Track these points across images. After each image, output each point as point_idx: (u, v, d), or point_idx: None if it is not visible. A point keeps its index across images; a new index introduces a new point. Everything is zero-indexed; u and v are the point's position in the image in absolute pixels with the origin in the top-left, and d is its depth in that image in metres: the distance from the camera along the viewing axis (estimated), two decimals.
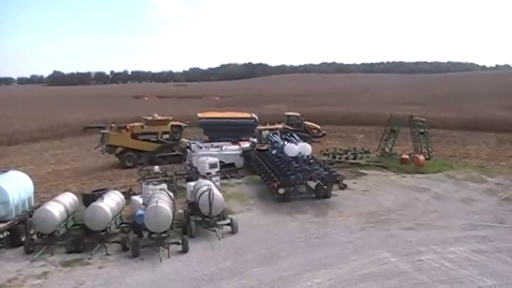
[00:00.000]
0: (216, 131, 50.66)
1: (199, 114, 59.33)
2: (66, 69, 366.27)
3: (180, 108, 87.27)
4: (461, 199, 32.23)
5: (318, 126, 63.54)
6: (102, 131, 49.58)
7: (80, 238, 24.19)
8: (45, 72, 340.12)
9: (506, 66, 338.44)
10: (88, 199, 27.91)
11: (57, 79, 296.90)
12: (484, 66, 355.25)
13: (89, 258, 22.66)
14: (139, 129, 50.04)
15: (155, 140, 49.52)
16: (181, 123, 52.11)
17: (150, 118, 51.92)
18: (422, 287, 18.95)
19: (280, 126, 45.06)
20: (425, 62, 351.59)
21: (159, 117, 52.24)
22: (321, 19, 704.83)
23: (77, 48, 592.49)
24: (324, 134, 63.16)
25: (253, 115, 57.55)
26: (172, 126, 50.98)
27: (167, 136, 50.11)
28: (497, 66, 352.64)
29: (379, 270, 20.59)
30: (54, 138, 71.38)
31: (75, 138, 70.52)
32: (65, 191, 30.23)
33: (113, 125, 50.72)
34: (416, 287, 19.00)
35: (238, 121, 52.99)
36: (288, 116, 63.85)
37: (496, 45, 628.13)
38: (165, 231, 23.52)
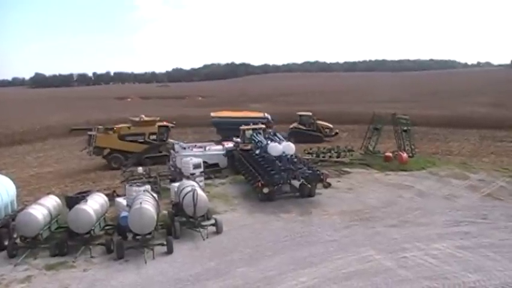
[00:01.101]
0: (228, 130, 51.05)
1: (212, 114, 59.68)
2: (48, 71, 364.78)
3: (163, 109, 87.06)
4: (445, 196, 32.47)
5: (331, 126, 63.40)
6: (89, 132, 49.26)
7: (63, 241, 23.87)
8: (27, 75, 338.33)
9: (487, 63, 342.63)
10: (71, 201, 27.57)
11: (39, 81, 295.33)
12: (466, 64, 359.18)
13: (73, 261, 22.46)
14: (126, 131, 49.87)
15: (142, 141, 49.30)
16: (168, 124, 51.92)
17: (136, 119, 51.77)
18: (407, 284, 19.01)
19: (263, 126, 44.88)
20: (408, 60, 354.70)
21: (146, 118, 52.10)
22: (304, 18, 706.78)
23: (59, 50, 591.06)
24: (337, 133, 63.18)
25: (266, 114, 57.70)
26: (159, 126, 50.77)
27: (154, 137, 49.91)
28: (478, 63, 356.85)
29: (364, 268, 20.66)
30: (37, 140, 70.90)
31: (58, 140, 70.18)
32: (48, 193, 30.08)
33: (100, 127, 50.40)
34: (401, 283, 19.06)
35: (251, 120, 53.22)
36: (301, 115, 63.89)
37: (477, 43, 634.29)
38: (150, 233, 23.38)
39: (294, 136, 53.60)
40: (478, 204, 30.47)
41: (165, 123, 51.83)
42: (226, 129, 52.79)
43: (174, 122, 54.01)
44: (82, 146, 50.14)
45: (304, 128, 62.32)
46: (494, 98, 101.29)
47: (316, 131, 61.90)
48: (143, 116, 52.95)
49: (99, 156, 49.45)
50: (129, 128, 50.35)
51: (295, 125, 62.90)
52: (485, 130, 67.45)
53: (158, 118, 53.37)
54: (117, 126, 50.69)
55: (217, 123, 58.89)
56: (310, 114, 64.48)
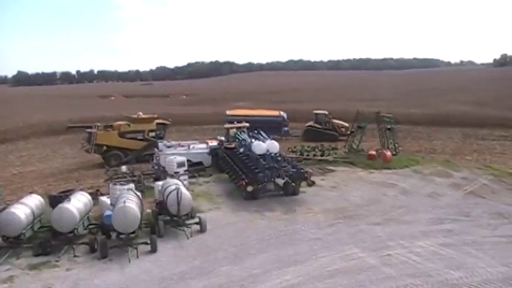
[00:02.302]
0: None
1: (227, 112, 59.66)
2: (31, 70, 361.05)
3: (147, 107, 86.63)
4: (428, 194, 32.61)
5: (346, 124, 62.00)
6: (89, 130, 49.05)
7: (47, 240, 23.68)
8: (9, 73, 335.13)
9: (470, 62, 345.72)
10: (55, 200, 27.38)
11: (22, 79, 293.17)
12: (449, 63, 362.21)
13: (57, 261, 22.27)
14: (127, 128, 49.92)
15: (142, 138, 49.44)
16: (165, 121, 52.37)
17: (135, 116, 51.84)
18: (391, 281, 19.07)
19: (247, 124, 44.84)
20: (392, 59, 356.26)
21: (144, 116, 52.25)
22: (288, 17, 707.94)
23: (42, 48, 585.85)
24: (352, 132, 62.21)
25: (282, 113, 57.59)
26: (157, 124, 51.17)
27: (153, 134, 50.08)
28: (461, 62, 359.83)
29: (348, 266, 20.69)
30: (19, 139, 70.29)
31: (41, 139, 69.80)
32: (31, 192, 29.76)
33: (99, 124, 50.30)
34: (385, 281, 19.12)
35: (266, 119, 52.92)
36: (316, 114, 63.52)
37: (460, 42, 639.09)
38: (134, 232, 23.26)
39: (309, 135, 53.43)
40: (461, 202, 30.63)
41: (162, 120, 52.38)
42: None
43: (170, 119, 54.10)
44: (82, 144, 50.11)
45: (320, 126, 62.03)
46: (477, 96, 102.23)
47: (332, 129, 61.64)
48: (140, 113, 53.04)
49: (94, 154, 49.23)
50: (129, 125, 50.37)
51: (311, 123, 62.61)
52: (468, 128, 68.08)
53: (156, 115, 53.65)
54: (116, 123, 50.70)
55: (232, 121, 59.01)
56: (326, 112, 63.98)
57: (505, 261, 20.69)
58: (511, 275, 19.36)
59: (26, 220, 23.76)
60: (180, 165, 34.31)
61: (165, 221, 25.70)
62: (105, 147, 48.49)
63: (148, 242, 23.31)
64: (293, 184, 32.16)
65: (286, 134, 60.78)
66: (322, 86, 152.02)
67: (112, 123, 50.92)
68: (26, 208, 24.37)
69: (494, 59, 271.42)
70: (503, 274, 19.48)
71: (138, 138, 49.23)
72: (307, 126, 62.42)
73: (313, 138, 51.65)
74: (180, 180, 29.29)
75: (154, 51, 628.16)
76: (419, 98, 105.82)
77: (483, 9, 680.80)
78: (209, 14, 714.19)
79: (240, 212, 29.39)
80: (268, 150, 33.34)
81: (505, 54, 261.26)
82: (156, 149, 41.68)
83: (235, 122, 45.17)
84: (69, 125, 57.11)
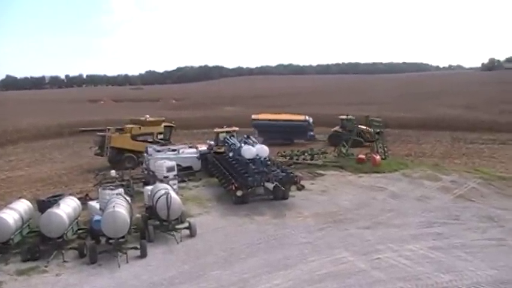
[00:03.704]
0: (269, 133, 52.49)
1: (253, 116, 59.61)
2: (20, 74, 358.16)
3: (136, 112, 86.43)
4: (417, 197, 32.72)
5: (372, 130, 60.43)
6: (101, 133, 49.63)
7: (35, 246, 23.50)
8: None
9: (459, 66, 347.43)
10: (43, 205, 27.23)
11: (10, 84, 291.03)
12: (438, 67, 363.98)
13: (46, 266, 22.11)
14: (138, 131, 50.33)
15: (151, 140, 49.64)
16: (171, 124, 52.91)
17: (142, 119, 52.43)
18: (381, 285, 19.09)
19: (236, 128, 44.81)
20: (381, 63, 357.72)
21: (152, 118, 52.97)
22: (277, 21, 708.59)
23: (31, 52, 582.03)
24: (378, 139, 60.59)
25: (307, 117, 57.30)
26: (165, 126, 51.77)
27: (161, 136, 50.64)
28: (450, 66, 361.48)
29: (337, 270, 20.70)
30: (8, 144, 69.73)
31: (29, 143, 69.30)
32: (20, 197, 29.49)
33: (110, 128, 50.80)
34: (375, 285, 19.13)
35: (292, 123, 52.62)
36: (342, 119, 61.53)
37: (449, 46, 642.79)
38: (123, 237, 23.13)
39: (334, 140, 52.77)
40: (450, 205, 30.77)
41: (168, 123, 52.90)
42: (267, 132, 53.59)
43: (173, 122, 54.33)
44: (92, 147, 50.64)
45: (344, 132, 60.20)
46: (465, 100, 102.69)
47: (357, 135, 59.89)
48: (148, 116, 53.62)
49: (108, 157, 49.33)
50: (139, 128, 50.69)
51: (336, 128, 61.34)
52: (457, 132, 68.43)
53: (163, 118, 54.53)
54: (127, 126, 51.17)
55: (257, 125, 58.99)
56: (352, 118, 60.99)
57: (494, 265, 20.78)
58: (500, 278, 19.44)
59: (14, 225, 23.63)
60: (170, 169, 34.26)
61: (154, 226, 25.61)
62: (111, 150, 48.97)
63: (138, 247, 23.20)
64: (283, 188, 32.14)
65: (311, 139, 60.26)
66: (311, 90, 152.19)
67: (122, 126, 51.53)
68: (14, 213, 24.23)
69: (482, 63, 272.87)
70: (492, 277, 19.55)
71: (148, 140, 49.42)
72: (333, 131, 61.05)
73: (338, 143, 51.19)
74: (170, 185, 29.23)
75: (143, 56, 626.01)
76: (408, 101, 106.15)
77: (471, 14, 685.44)
78: (198, 18, 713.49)
79: (229, 216, 29.33)
80: (257, 155, 33.35)
81: (493, 59, 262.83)
82: (145, 154, 41.62)
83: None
84: (81, 129, 57.22)
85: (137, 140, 49.47)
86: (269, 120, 57.93)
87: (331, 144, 56.61)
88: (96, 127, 54.44)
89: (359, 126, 58.00)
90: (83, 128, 57.74)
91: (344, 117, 61.52)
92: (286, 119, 57.28)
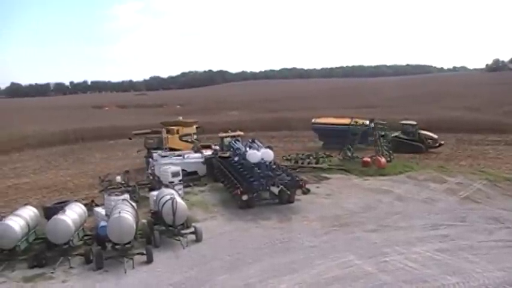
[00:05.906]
0: (329, 137, 54.14)
1: (313, 120, 60.67)
2: (25, 81, 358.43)
3: (140, 117, 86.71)
4: (423, 199, 32.69)
5: (435, 136, 58.45)
6: (157, 135, 51.46)
7: (42, 252, 23.60)
8: (3, 84, 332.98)
9: (463, 67, 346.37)
10: (49, 212, 27.33)
11: (15, 91, 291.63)
12: (442, 68, 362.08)
13: (52, 273, 22.20)
14: (184, 131, 52.08)
15: (190, 140, 51.14)
16: (200, 126, 55.50)
17: (177, 120, 55.11)
18: None
19: (241, 133, 44.77)
20: (385, 66, 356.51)
21: (188, 120, 55.84)
22: (281, 25, 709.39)
23: (36, 59, 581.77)
24: (441, 144, 57.99)
25: (366, 122, 57.07)
26: (197, 127, 53.90)
27: (196, 136, 52.37)
28: (454, 68, 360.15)
29: (344, 273, 20.69)
30: (13, 151, 69.85)
31: (35, 150, 69.43)
32: (26, 204, 29.51)
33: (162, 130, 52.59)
34: None
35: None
36: (403, 124, 60.21)
37: (453, 48, 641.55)
38: (129, 242, 23.19)
39: (394, 146, 52.02)
40: (456, 207, 30.74)
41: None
42: (326, 136, 55.51)
43: (197, 122, 56.87)
44: (139, 149, 52.34)
45: (406, 137, 57.95)
46: (469, 101, 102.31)
47: (418, 141, 57.63)
48: (181, 117, 57.33)
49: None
50: (183, 129, 52.44)
51: (397, 134, 58.69)
52: (461, 134, 68.18)
53: (196, 120, 57.40)
54: (174, 127, 52.56)
55: (317, 129, 59.28)
56: (414, 123, 60.03)
57: (501, 266, 20.74)
58: (507, 280, 19.38)
59: (21, 232, 23.71)
60: (175, 174, 34.36)
61: (160, 231, 25.67)
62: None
63: (144, 252, 23.26)
64: (288, 192, 32.17)
65: (372, 144, 59.50)
66: (316, 94, 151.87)
67: (163, 128, 53.05)
68: (20, 220, 24.31)
69: (487, 64, 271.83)
70: (499, 279, 19.51)
71: (188, 140, 51.06)
72: (393, 136, 59.54)
73: (399, 149, 50.57)
74: (175, 190, 29.23)
75: (147, 61, 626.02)
76: (412, 104, 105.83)
77: (475, 15, 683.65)
78: (202, 23, 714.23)
79: (235, 220, 29.38)
80: (262, 159, 33.32)
81: (497, 59, 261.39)
82: (150, 159, 41.64)
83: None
84: (134, 132, 57.54)
85: (182, 141, 51.07)
86: (329, 124, 57.82)
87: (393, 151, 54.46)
88: (144, 130, 55.36)
89: (421, 131, 57.06)
90: (137, 132, 58.06)
91: (405, 122, 60.51)
92: (345, 123, 56.38)
